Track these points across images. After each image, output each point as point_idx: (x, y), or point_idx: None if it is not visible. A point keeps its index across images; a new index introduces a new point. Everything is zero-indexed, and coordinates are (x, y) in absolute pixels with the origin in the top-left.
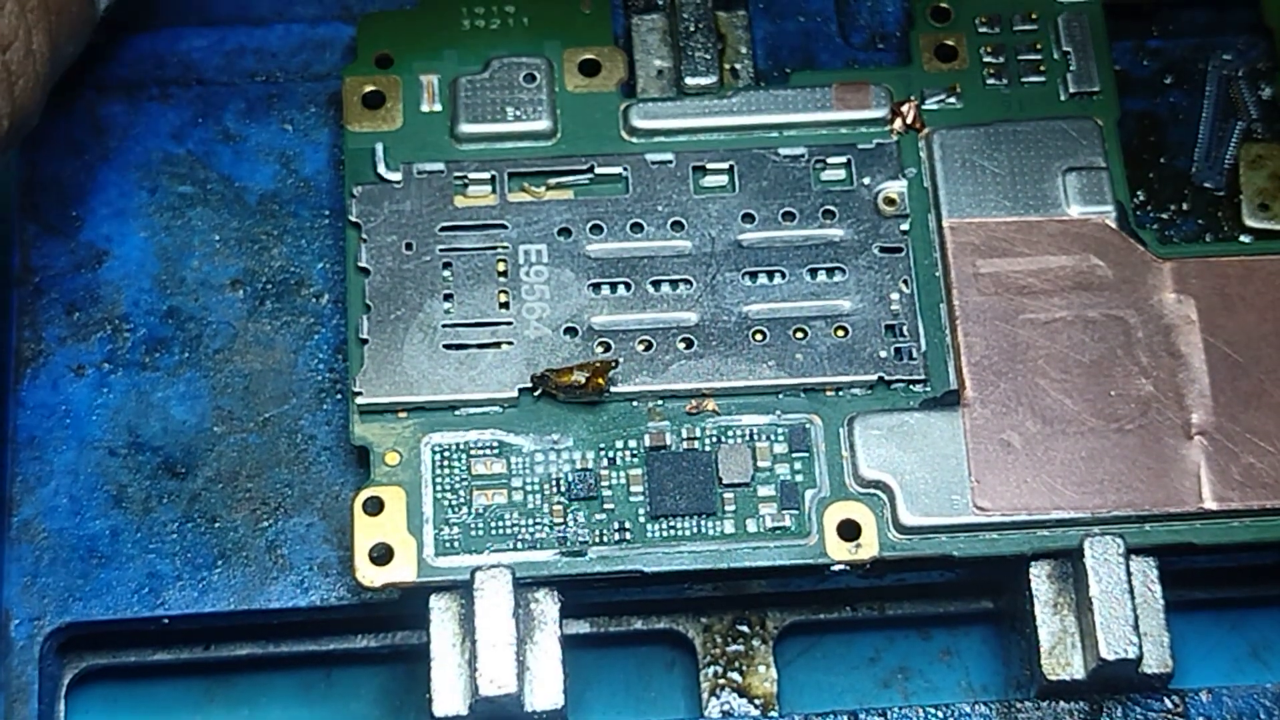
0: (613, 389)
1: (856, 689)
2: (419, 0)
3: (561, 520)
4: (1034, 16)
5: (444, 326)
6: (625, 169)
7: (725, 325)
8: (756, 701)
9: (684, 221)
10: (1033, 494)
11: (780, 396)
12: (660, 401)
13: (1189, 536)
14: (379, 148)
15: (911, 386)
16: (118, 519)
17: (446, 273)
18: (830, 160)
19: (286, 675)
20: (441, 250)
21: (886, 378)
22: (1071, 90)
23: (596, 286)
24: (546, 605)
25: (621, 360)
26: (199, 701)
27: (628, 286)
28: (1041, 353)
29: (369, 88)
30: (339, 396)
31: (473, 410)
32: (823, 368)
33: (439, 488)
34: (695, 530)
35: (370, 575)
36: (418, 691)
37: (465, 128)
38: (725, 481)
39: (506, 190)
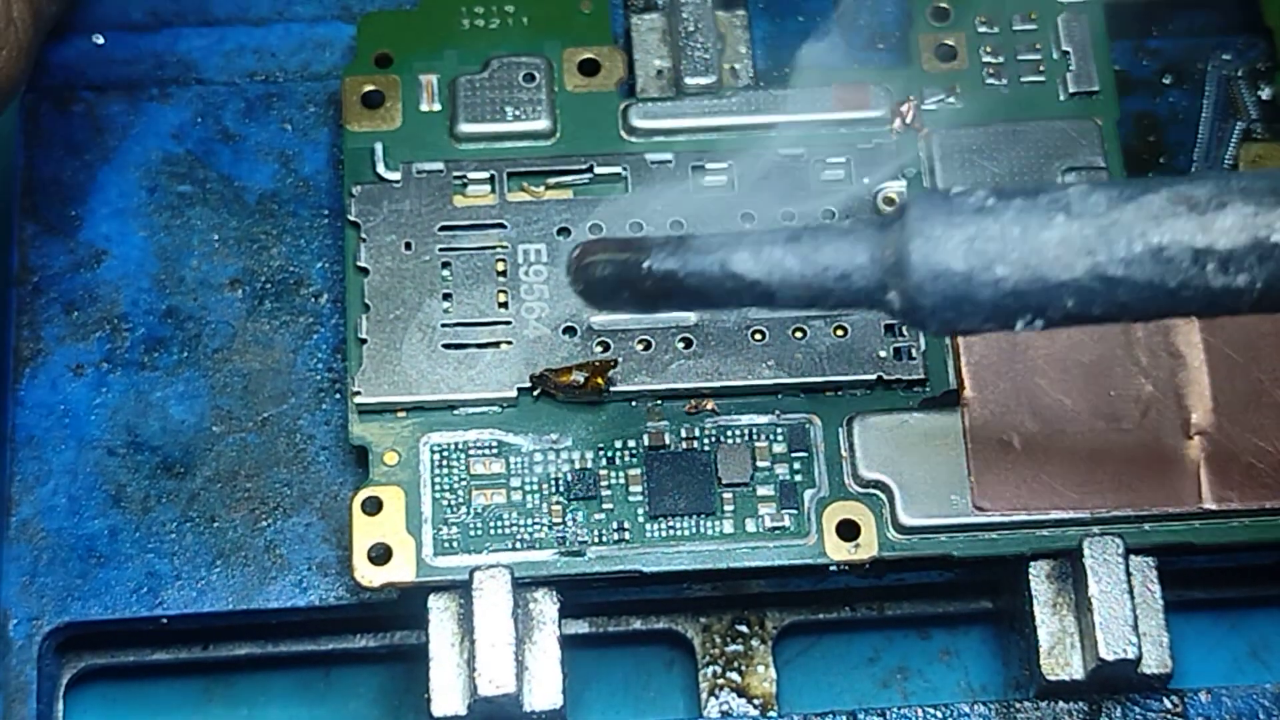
0: (612, 389)
1: (855, 689)
2: (419, 0)
3: (560, 520)
4: (1034, 16)
5: (443, 326)
6: (625, 169)
7: (724, 325)
8: (755, 701)
9: (683, 221)
10: (1032, 494)
11: (779, 396)
12: (659, 401)
13: (1188, 536)
14: (378, 147)
15: (911, 386)
16: (116, 519)
17: (445, 272)
18: (830, 160)
19: (285, 675)
20: (440, 250)
21: (886, 377)
22: (1071, 90)
23: None
24: (545, 605)
25: (620, 360)
26: (198, 701)
27: None
28: (1041, 353)
29: (368, 87)
30: (338, 396)
31: (471, 410)
32: (822, 368)
33: (438, 487)
34: (694, 530)
35: (369, 575)
36: (416, 691)
37: (464, 127)
38: (724, 481)
39: (506, 190)
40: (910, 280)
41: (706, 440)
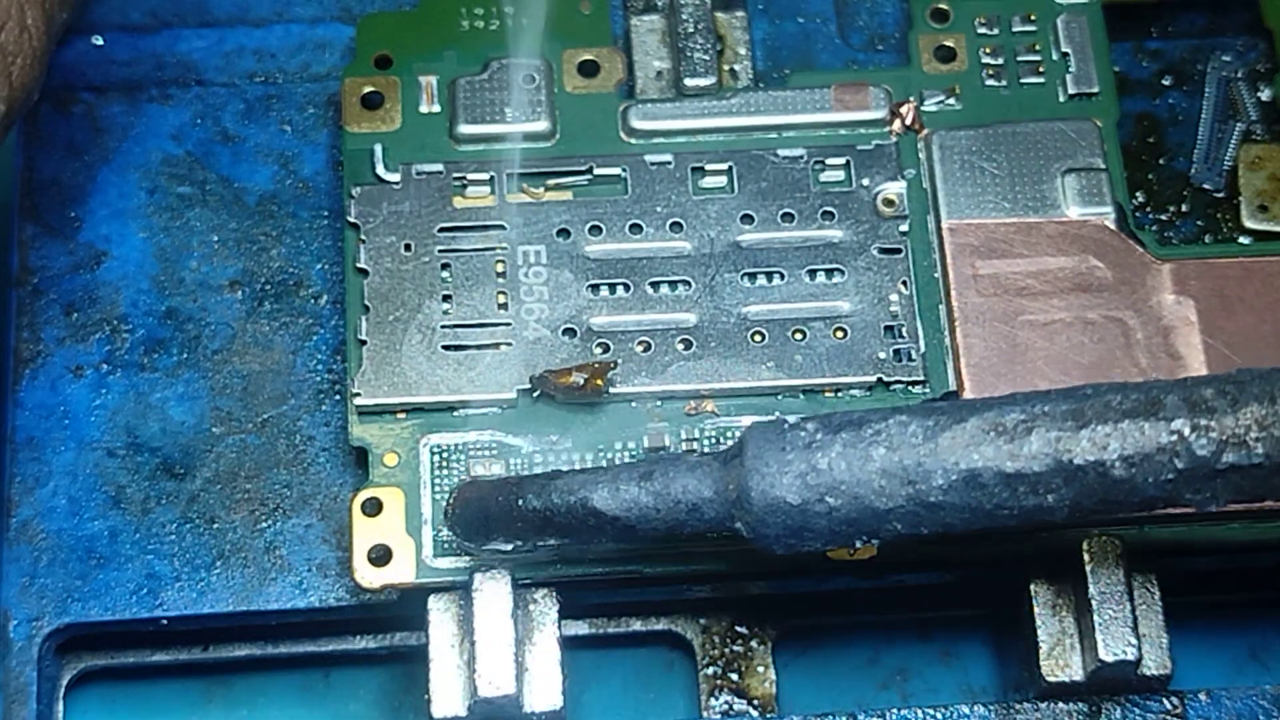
0: (612, 390)
1: (855, 690)
2: (418, 1)
3: None
4: (1033, 18)
5: (442, 328)
6: (624, 170)
7: (724, 326)
8: (755, 703)
9: (683, 222)
10: None
11: (779, 398)
12: (659, 403)
13: (1188, 538)
14: (378, 149)
15: (910, 388)
16: (116, 520)
17: (445, 274)
18: (829, 161)
19: (285, 676)
20: (440, 251)
21: (885, 379)
22: (1071, 91)
23: (595, 287)
24: (545, 606)
25: (620, 361)
26: (197, 702)
27: (627, 287)
28: (1041, 354)
29: (368, 89)
30: (337, 397)
31: (471, 411)
32: (822, 369)
33: (438, 489)
34: None
35: (369, 576)
36: (416, 693)
37: (464, 129)
38: None
39: (505, 191)
40: (752, 513)
41: (706, 441)
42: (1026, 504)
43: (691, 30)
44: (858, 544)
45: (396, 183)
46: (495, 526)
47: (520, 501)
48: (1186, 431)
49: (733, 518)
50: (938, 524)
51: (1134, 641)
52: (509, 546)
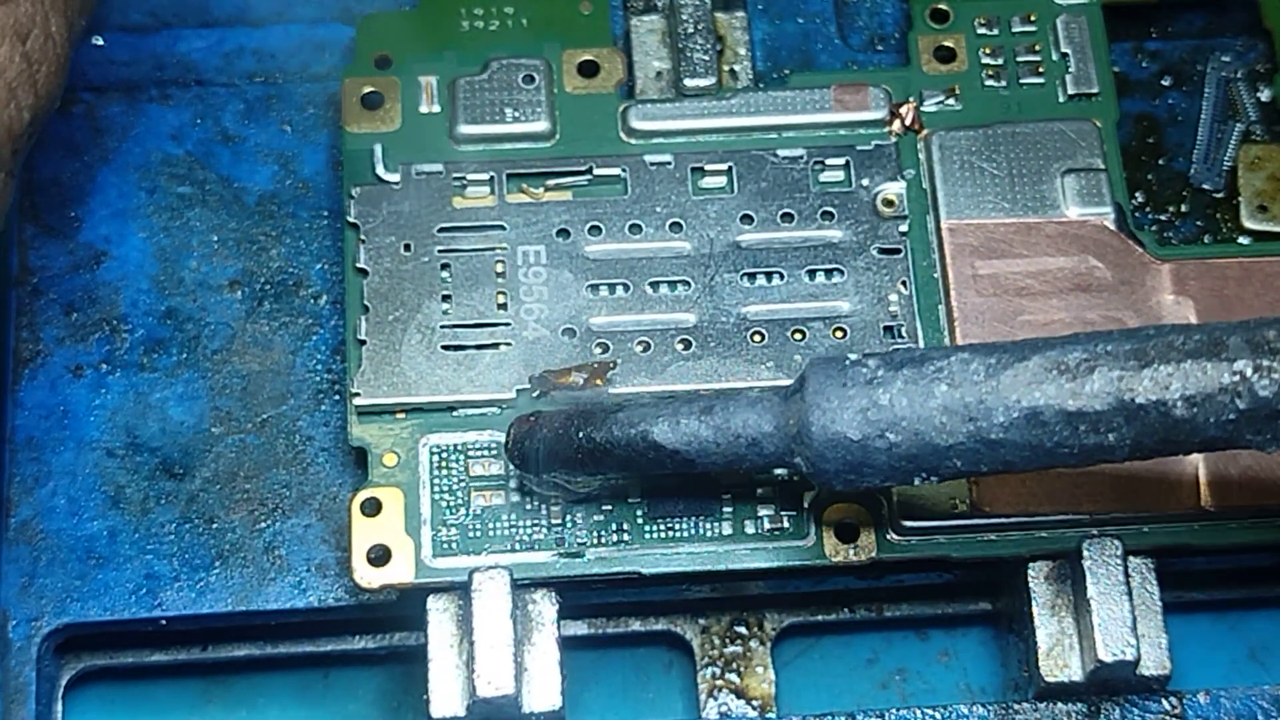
0: (611, 390)
1: (854, 690)
2: (418, 1)
3: (559, 521)
4: (1033, 18)
5: (442, 327)
6: (624, 170)
7: (724, 326)
8: (754, 703)
9: (683, 222)
10: (1031, 495)
11: None
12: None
13: (1187, 538)
14: (378, 149)
15: None
16: (115, 520)
17: (445, 274)
18: (829, 161)
19: (284, 676)
20: (440, 251)
21: None
22: (1070, 92)
23: (595, 287)
24: (544, 606)
25: (620, 361)
26: (196, 702)
27: (626, 288)
28: None
29: (368, 89)
30: (337, 397)
31: (471, 411)
32: None
33: (437, 489)
34: (693, 531)
35: (368, 576)
36: (415, 693)
37: (464, 129)
38: (723, 482)
39: (505, 191)
40: (812, 448)
41: None
42: (1087, 442)
43: (691, 30)
44: (915, 481)
45: (396, 183)
46: (555, 459)
47: (580, 434)
48: (1249, 372)
49: (792, 452)
50: (998, 461)
51: (1133, 641)
52: (567, 478)
